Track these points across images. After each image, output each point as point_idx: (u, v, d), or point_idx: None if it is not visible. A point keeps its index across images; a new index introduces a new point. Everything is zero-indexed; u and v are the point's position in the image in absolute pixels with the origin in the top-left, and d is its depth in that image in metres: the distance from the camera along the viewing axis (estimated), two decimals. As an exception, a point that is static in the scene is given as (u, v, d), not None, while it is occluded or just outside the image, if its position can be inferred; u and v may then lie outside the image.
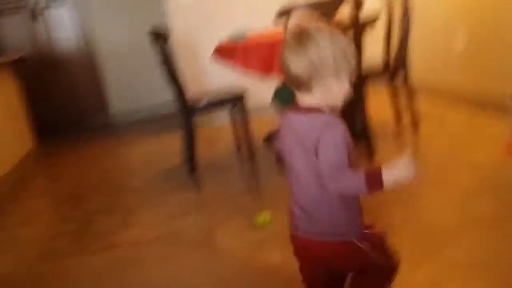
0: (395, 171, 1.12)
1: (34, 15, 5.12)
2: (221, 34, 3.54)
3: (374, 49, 3.11)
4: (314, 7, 2.61)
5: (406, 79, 3.19)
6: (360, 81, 2.79)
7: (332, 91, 1.15)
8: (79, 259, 2.26)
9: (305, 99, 1.18)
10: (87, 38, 5.27)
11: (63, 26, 5.21)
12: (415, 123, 3.22)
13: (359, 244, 1.20)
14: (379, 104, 3.41)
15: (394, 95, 3.36)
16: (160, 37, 3.07)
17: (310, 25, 1.15)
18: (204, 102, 3.21)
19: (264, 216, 2.28)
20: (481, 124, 3.07)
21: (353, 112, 3.15)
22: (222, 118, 4.04)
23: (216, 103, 3.30)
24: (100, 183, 3.44)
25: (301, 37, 1.14)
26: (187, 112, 3.13)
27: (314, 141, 1.13)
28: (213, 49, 3.28)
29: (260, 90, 3.83)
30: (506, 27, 2.93)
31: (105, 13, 5.29)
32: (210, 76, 4.23)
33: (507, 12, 2.91)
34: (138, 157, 3.96)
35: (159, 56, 3.12)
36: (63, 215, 2.97)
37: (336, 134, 1.13)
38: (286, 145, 1.22)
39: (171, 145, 3.97)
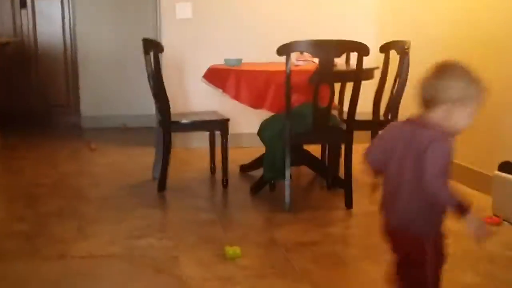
0: (474, 219, 1.29)
1: (23, 3, 4.93)
2: (213, 57, 3.46)
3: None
4: (316, 47, 2.57)
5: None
6: (350, 129, 2.74)
7: (452, 117, 1.33)
8: (29, 264, 2.06)
9: (427, 117, 1.37)
10: (72, 36, 5.10)
11: (50, 19, 5.03)
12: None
13: (425, 243, 1.38)
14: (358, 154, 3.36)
15: None
16: (154, 46, 2.96)
17: (450, 60, 1.38)
18: (186, 120, 3.10)
19: (234, 249, 2.15)
20: (463, 193, 3.05)
21: (336, 158, 3.11)
22: (199, 141, 3.92)
23: (199, 124, 3.19)
24: (59, 186, 3.23)
25: (438, 67, 1.37)
26: (167, 126, 3.00)
27: (422, 149, 1.30)
28: (202, 70, 3.19)
29: (244, 119, 3.75)
30: (494, 100, 2.97)
31: (96, 14, 5.14)
32: (194, 97, 4.12)
33: (495, 85, 2.96)
34: (104, 166, 3.76)
35: (149, 65, 3.01)
36: (16, 213, 2.74)
37: (444, 146, 1.31)
38: (389, 149, 1.41)
39: (140, 159, 3.80)
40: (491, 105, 2.97)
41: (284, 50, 2.54)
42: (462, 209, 1.31)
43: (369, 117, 3.19)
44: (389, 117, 3.16)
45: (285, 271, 2.04)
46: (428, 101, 1.35)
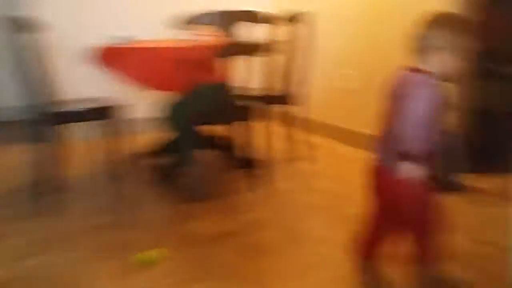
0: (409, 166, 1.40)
1: None
2: (97, 36, 3.05)
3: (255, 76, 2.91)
4: (223, 18, 2.33)
5: (300, 109, 3.10)
6: (261, 105, 2.58)
7: (442, 64, 1.43)
8: None
9: (422, 64, 1.46)
10: None
11: None
12: (308, 153, 3.12)
13: (403, 183, 1.43)
14: (267, 131, 3.23)
15: (287, 124, 3.28)
16: (25, 24, 2.49)
17: (440, 11, 1.47)
18: (68, 110, 2.69)
19: (149, 254, 1.89)
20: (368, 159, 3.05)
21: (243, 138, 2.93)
22: (85, 132, 3.49)
23: (84, 114, 2.79)
24: None
25: (427, 18, 1.46)
26: (44, 119, 2.57)
27: (407, 93, 1.41)
28: (84, 51, 2.79)
29: (135, 103, 3.40)
30: (387, 73, 3.00)
31: None
32: (75, 83, 3.65)
33: (395, 60, 2.99)
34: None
35: (21, 47, 2.54)
36: None
37: (423, 93, 1.39)
38: (390, 93, 1.51)
39: (10, 159, 3.29)
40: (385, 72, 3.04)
41: (186, 23, 2.27)
42: (406, 156, 1.40)
43: (268, 92, 3.06)
44: (297, 90, 3.07)
45: (209, 269, 1.83)
46: (419, 50, 1.46)
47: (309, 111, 3.23)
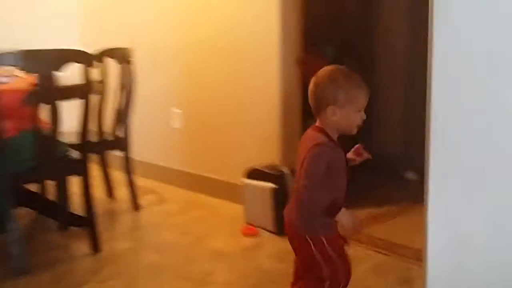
0: (345, 215, 1.39)
1: None
2: None
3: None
4: (30, 59, 1.98)
5: (124, 154, 2.84)
6: (86, 156, 2.26)
7: (339, 118, 1.44)
8: None
9: (321, 122, 1.48)
10: None
11: None
12: (139, 201, 2.87)
13: (311, 242, 1.44)
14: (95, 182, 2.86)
15: (111, 169, 3.01)
16: None
17: (327, 68, 1.47)
18: None
19: None
20: (208, 204, 2.92)
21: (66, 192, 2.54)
22: None
23: None
24: None
25: (316, 77, 1.47)
26: None
27: (305, 153, 1.42)
28: None
29: None
30: (216, 112, 3.00)
31: None
32: None
33: (217, 99, 2.98)
34: None
35: None
36: None
37: (315, 154, 1.41)
38: (298, 152, 1.50)
39: None
40: (215, 117, 2.97)
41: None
42: (331, 212, 1.39)
43: (88, 137, 2.72)
44: (122, 133, 2.80)
45: None
46: (315, 108, 1.47)
47: (135, 153, 2.99)
